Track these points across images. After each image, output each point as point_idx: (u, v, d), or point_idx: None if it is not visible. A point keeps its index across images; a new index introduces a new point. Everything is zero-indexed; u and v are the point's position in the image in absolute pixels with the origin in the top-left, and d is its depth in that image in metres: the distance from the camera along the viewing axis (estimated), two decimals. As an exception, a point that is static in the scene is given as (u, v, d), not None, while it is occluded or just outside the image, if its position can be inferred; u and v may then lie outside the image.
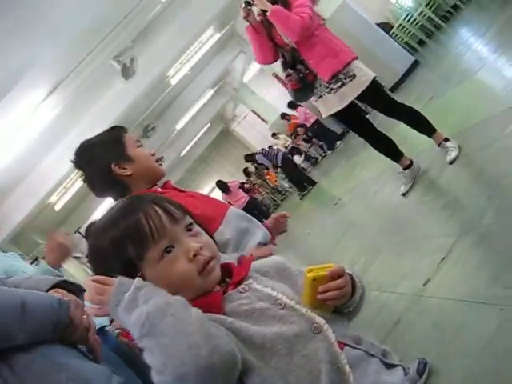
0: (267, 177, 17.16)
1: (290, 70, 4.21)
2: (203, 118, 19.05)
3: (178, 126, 16.73)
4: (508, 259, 2.27)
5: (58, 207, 12.03)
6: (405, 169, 4.37)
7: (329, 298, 1.01)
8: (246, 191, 15.53)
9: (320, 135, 14.62)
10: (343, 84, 4.11)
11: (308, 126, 14.87)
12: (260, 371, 0.93)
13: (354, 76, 4.10)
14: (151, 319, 0.87)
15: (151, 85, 9.97)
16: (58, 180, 9.50)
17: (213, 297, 1.04)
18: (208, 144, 23.39)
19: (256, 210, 13.69)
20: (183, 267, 1.03)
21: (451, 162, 3.94)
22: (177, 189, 2.08)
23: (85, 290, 1.56)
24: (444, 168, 4.01)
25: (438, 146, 4.12)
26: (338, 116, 4.38)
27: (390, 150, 4.40)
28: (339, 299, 1.03)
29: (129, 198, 1.15)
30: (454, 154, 3.95)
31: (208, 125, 20.97)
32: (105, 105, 9.44)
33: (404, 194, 4.38)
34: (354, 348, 1.00)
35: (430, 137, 4.17)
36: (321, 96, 4.25)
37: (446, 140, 4.08)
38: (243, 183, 15.84)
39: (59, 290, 1.43)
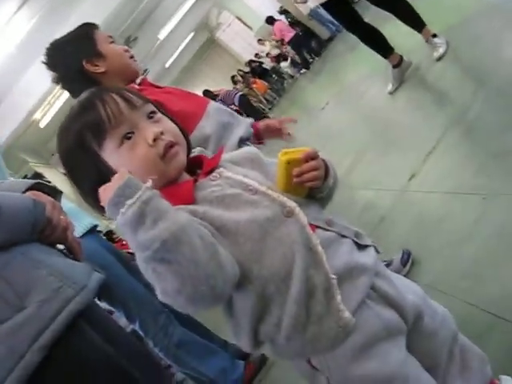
0: (254, 85, 16.88)
1: None
2: (186, 26, 18.43)
3: (161, 36, 16.23)
4: (491, 150, 2.27)
5: (42, 124, 11.86)
6: (394, 67, 4.27)
7: (304, 180, 0.99)
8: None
9: (305, 44, 14.40)
10: None
11: (286, 41, 14.66)
12: (236, 257, 0.93)
13: None
14: (167, 246, 0.84)
15: (130, -8, 9.59)
16: (41, 96, 9.30)
17: (184, 185, 1.03)
18: (193, 54, 22.77)
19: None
20: (143, 151, 1.01)
21: (439, 59, 3.85)
22: (155, 85, 2.02)
23: (61, 192, 1.56)
24: (432, 65, 3.93)
25: (426, 41, 4.01)
26: (327, 5, 4.22)
27: (380, 43, 4.27)
28: (314, 181, 1.01)
29: (87, 91, 1.11)
30: (441, 51, 3.86)
31: (192, 34, 20.35)
32: (83, 14, 9.03)
33: (391, 93, 4.32)
34: (326, 230, 1.01)
35: (419, 31, 4.04)
36: None
37: (434, 36, 3.97)
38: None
39: (35, 191, 1.41)
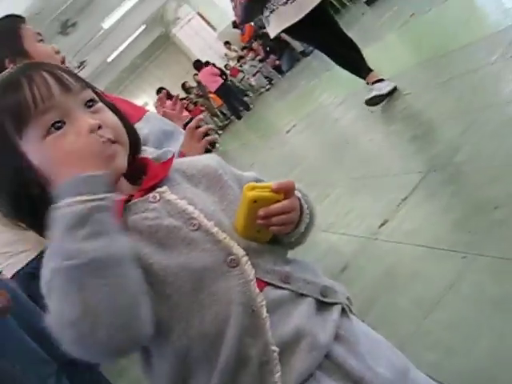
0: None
1: None
2: (138, 17, 18.44)
3: (106, 25, 16.21)
4: (476, 202, 2.33)
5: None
6: (374, 83, 4.39)
7: (271, 223, 0.93)
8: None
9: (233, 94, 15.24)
10: None
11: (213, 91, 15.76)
12: (158, 311, 0.88)
13: None
14: (91, 267, 0.79)
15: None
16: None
17: None
18: (142, 50, 22.77)
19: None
20: (71, 147, 0.93)
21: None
22: None
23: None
24: (422, 93, 4.02)
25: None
26: (292, 31, 4.40)
27: (356, 63, 4.43)
28: (283, 226, 0.95)
29: (14, 67, 1.04)
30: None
31: (143, 26, 20.37)
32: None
33: (367, 103, 4.42)
34: (280, 288, 0.94)
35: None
36: (273, 10, 4.26)
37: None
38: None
39: None
